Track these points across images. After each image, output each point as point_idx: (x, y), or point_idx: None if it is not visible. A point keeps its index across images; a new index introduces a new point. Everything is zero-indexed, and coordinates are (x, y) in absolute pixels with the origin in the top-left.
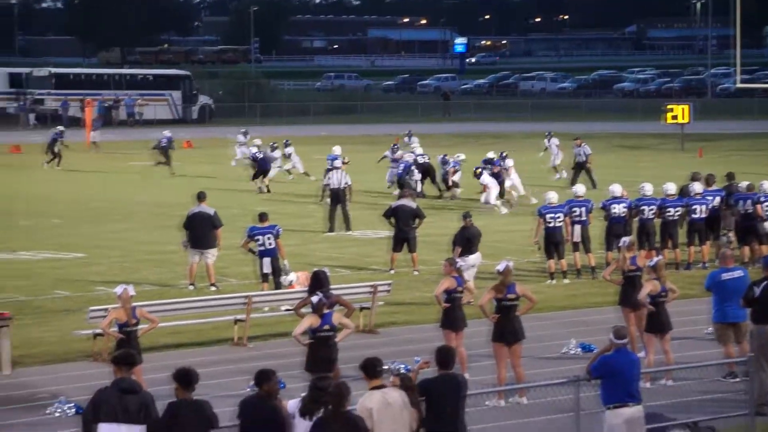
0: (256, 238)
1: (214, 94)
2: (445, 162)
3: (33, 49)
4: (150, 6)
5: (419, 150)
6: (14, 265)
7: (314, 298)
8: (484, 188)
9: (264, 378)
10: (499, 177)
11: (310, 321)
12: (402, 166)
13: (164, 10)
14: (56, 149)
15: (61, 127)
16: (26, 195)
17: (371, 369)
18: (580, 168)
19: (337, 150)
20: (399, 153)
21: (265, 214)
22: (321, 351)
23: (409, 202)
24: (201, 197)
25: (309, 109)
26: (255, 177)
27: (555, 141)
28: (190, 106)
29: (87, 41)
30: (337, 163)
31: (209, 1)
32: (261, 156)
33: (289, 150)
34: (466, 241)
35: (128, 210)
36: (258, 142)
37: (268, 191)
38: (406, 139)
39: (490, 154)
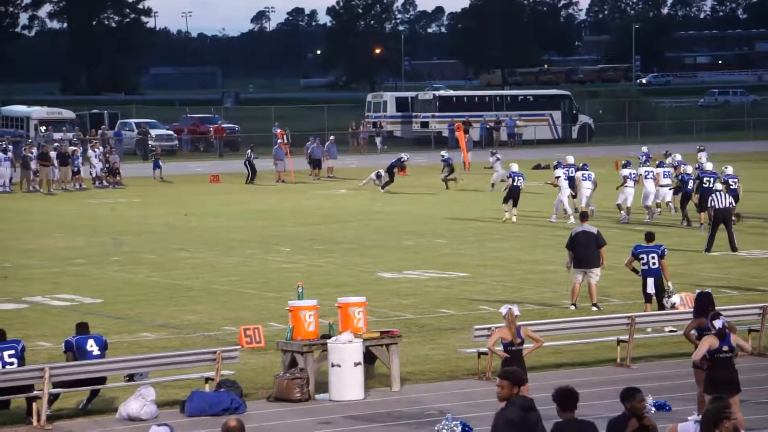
0: (640, 257)
1: (594, 114)
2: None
3: (418, 74)
4: (533, 28)
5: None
6: (402, 284)
7: (717, 323)
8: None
9: (627, 396)
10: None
11: (709, 342)
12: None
13: (546, 31)
14: (443, 176)
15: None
16: (408, 214)
17: None
18: None
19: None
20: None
21: (652, 234)
22: (721, 372)
23: None
24: (584, 217)
25: (691, 127)
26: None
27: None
28: (570, 126)
29: (469, 64)
30: (718, 185)
31: (590, 21)
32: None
33: (495, 159)
34: None
35: (510, 229)
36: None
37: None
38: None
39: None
